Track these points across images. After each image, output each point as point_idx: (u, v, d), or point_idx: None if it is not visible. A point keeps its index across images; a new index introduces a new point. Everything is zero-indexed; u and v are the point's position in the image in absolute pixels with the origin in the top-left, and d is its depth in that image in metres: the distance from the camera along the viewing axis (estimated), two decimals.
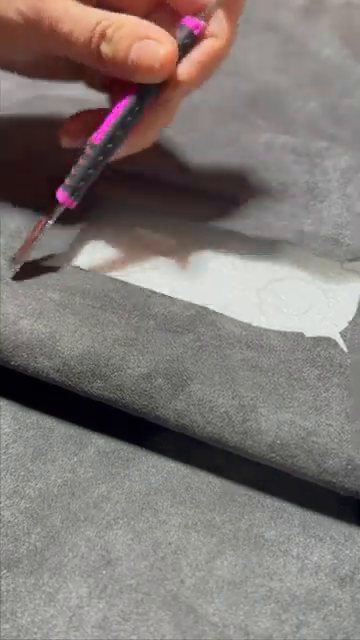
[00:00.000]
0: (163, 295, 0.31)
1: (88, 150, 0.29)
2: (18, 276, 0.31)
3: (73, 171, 0.30)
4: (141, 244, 0.35)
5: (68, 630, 0.23)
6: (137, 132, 0.30)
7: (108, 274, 0.33)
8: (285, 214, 0.34)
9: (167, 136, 0.39)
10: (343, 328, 0.30)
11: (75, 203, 0.30)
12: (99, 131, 0.29)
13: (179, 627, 0.23)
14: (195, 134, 0.40)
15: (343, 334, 0.29)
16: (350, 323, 0.29)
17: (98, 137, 0.29)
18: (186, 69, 0.29)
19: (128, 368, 0.27)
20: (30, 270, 0.31)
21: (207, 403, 0.26)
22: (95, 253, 0.34)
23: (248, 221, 0.34)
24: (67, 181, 0.30)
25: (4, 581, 0.25)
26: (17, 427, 0.29)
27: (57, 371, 0.27)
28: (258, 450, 0.26)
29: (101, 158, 0.29)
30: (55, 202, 0.30)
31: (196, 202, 0.35)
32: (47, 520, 0.26)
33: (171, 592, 0.24)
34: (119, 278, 0.32)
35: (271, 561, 0.25)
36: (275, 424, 0.26)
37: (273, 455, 0.25)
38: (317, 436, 0.25)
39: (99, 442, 0.29)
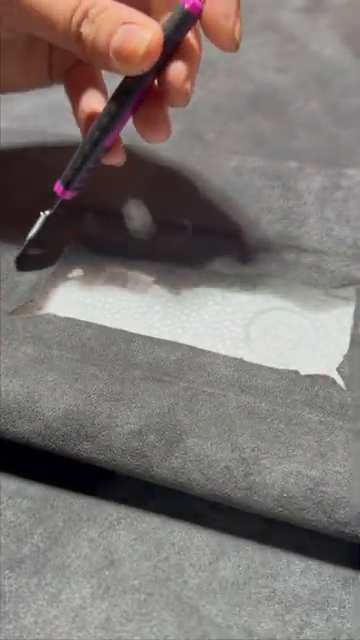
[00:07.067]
0: (145, 337, 0.29)
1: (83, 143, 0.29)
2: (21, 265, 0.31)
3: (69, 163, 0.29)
4: (116, 284, 0.33)
5: (71, 630, 0.23)
6: (141, 120, 0.28)
7: (84, 319, 0.30)
8: (264, 244, 0.32)
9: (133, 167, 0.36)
10: (339, 363, 0.28)
11: (69, 194, 0.30)
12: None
13: (182, 628, 0.23)
14: (161, 164, 0.37)
15: (340, 370, 0.28)
16: (345, 357, 0.28)
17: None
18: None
19: (116, 426, 0.25)
20: None
21: (205, 458, 0.25)
22: (67, 298, 0.32)
23: (228, 258, 0.32)
24: (64, 173, 0.30)
25: (7, 582, 0.25)
26: None
27: (39, 435, 0.25)
28: (264, 505, 0.24)
29: (88, 147, 0.28)
30: (54, 195, 0.30)
31: (168, 236, 0.33)
32: (50, 520, 0.26)
33: (174, 592, 0.24)
34: (96, 322, 0.30)
35: (274, 562, 0.25)
36: (280, 476, 0.24)
37: (281, 509, 0.24)
38: (325, 485, 0.24)
39: None
